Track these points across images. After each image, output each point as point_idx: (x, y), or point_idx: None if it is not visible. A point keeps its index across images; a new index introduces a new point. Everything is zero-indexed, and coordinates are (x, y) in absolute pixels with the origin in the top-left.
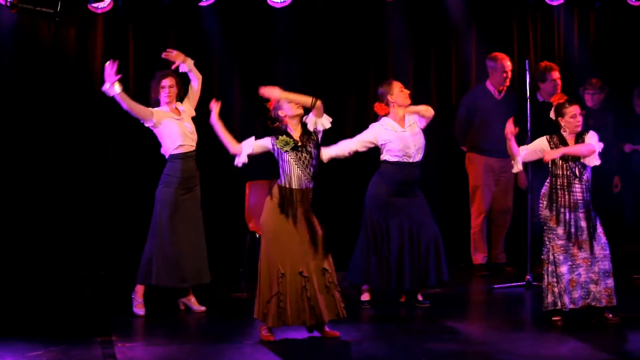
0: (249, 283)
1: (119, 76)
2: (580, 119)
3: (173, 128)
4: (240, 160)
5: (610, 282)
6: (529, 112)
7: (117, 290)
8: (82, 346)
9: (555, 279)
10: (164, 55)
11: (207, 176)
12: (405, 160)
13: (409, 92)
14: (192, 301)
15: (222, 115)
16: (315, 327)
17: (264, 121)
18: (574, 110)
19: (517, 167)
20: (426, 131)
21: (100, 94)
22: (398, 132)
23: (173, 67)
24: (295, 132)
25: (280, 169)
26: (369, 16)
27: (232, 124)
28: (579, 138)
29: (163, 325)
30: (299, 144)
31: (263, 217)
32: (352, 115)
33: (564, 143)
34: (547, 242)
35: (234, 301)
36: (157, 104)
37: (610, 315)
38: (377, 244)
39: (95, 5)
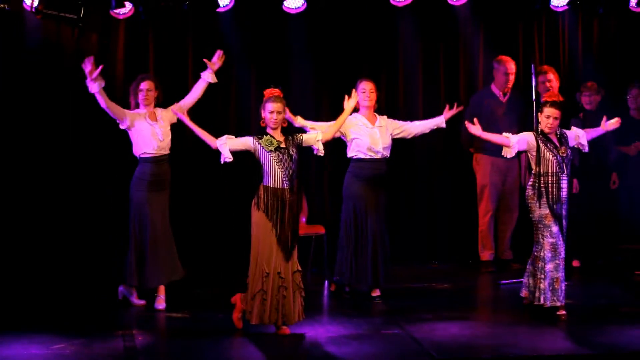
0: None
1: (97, 72)
2: (553, 122)
3: (144, 132)
4: (224, 157)
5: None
6: (534, 114)
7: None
8: (104, 339)
9: (543, 276)
10: (217, 57)
11: (224, 177)
12: (372, 157)
13: (374, 95)
14: (134, 295)
15: (239, 118)
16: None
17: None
18: (549, 112)
19: (512, 152)
20: (434, 133)
21: (121, 97)
22: (368, 128)
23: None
24: (277, 137)
25: (263, 170)
26: (380, 21)
27: (249, 127)
28: (562, 139)
29: (184, 319)
30: (282, 145)
31: (252, 218)
32: None
33: (548, 139)
34: (541, 239)
35: None
36: (137, 106)
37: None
38: (363, 243)
39: (116, 11)
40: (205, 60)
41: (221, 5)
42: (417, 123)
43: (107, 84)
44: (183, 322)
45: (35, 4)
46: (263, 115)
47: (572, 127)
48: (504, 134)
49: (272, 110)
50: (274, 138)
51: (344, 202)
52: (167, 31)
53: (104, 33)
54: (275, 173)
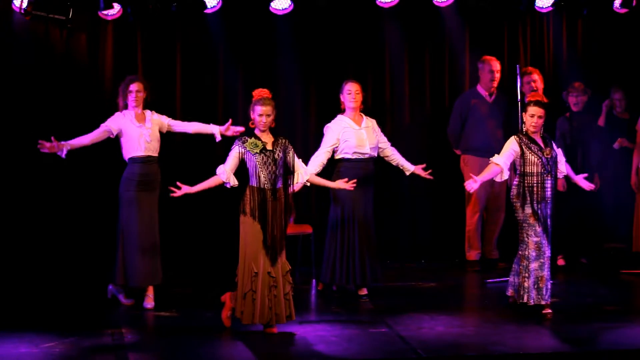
0: None
1: (55, 144)
2: (537, 121)
3: (131, 135)
4: (231, 183)
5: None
6: (519, 115)
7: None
8: (93, 337)
9: (527, 274)
10: (237, 130)
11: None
12: (359, 157)
13: (359, 96)
14: (123, 294)
15: (227, 118)
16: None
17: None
18: (534, 111)
19: (506, 175)
20: (422, 133)
21: (110, 98)
22: (355, 129)
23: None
24: (265, 138)
25: (249, 171)
26: (366, 22)
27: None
28: (547, 141)
29: (172, 318)
30: (269, 148)
31: (240, 218)
32: None
33: (532, 141)
34: (526, 238)
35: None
36: (125, 107)
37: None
38: (350, 243)
39: (105, 12)
40: (231, 120)
41: (209, 6)
42: (394, 151)
43: (96, 85)
44: (172, 321)
45: (24, 5)
46: (252, 116)
47: (559, 150)
48: (491, 160)
49: (262, 113)
50: (260, 140)
51: (331, 202)
52: (156, 32)
53: (92, 34)
54: (260, 175)
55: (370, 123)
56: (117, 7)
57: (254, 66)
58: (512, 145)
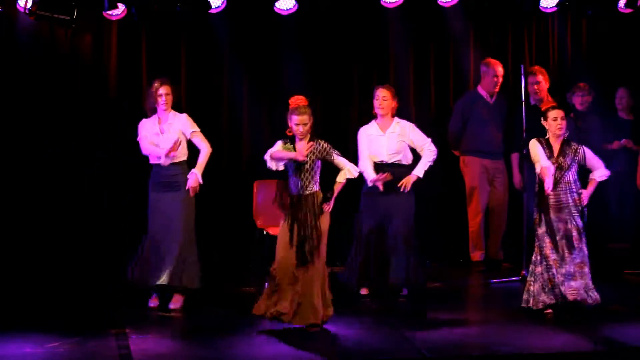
0: (257, 277)
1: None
2: (561, 122)
3: (150, 140)
4: (272, 165)
5: (573, 284)
6: (524, 115)
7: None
8: (98, 338)
9: (532, 278)
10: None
11: (218, 176)
12: (379, 162)
13: (386, 103)
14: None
15: (232, 118)
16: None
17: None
18: (555, 114)
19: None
20: (426, 133)
21: (114, 98)
22: (377, 135)
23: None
24: (302, 146)
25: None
26: (371, 22)
27: (241, 126)
28: (565, 145)
29: (175, 319)
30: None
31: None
32: (355, 116)
33: (550, 148)
34: (536, 242)
35: (243, 295)
36: (154, 111)
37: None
38: (370, 245)
39: (109, 12)
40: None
41: (213, 6)
42: (425, 154)
43: (100, 85)
44: (177, 321)
45: (29, 5)
46: (290, 125)
47: (589, 151)
48: (541, 166)
49: (298, 123)
50: (295, 149)
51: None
52: (160, 32)
53: (97, 34)
54: (291, 179)
55: (397, 129)
56: (121, 7)
57: (258, 66)
58: (537, 149)
